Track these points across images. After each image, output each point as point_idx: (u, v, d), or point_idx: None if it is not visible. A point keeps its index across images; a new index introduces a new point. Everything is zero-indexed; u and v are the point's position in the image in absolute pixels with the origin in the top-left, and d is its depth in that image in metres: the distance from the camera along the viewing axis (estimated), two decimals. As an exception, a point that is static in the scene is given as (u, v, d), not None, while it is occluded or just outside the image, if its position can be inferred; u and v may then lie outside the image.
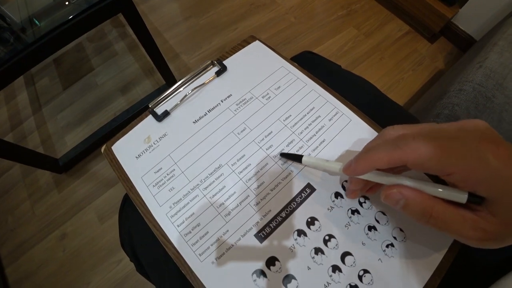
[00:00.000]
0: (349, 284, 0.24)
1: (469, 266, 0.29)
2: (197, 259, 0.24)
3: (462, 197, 0.18)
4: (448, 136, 0.18)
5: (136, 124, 0.31)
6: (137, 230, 0.31)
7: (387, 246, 0.25)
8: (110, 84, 1.12)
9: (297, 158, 0.27)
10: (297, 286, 0.23)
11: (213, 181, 0.27)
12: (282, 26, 1.18)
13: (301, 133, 0.30)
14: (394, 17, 1.24)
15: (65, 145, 1.04)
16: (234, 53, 0.37)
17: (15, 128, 1.11)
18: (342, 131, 0.30)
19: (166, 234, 0.25)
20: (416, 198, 0.19)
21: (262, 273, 0.24)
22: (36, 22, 0.65)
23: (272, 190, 0.27)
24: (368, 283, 0.24)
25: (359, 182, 0.23)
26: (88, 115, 1.07)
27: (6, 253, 0.94)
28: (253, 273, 0.24)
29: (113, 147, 0.30)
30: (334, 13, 1.22)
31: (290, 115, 0.31)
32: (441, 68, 1.15)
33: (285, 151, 0.29)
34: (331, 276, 0.24)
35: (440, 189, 0.19)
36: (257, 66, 0.35)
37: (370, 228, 0.25)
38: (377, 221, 0.26)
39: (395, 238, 0.25)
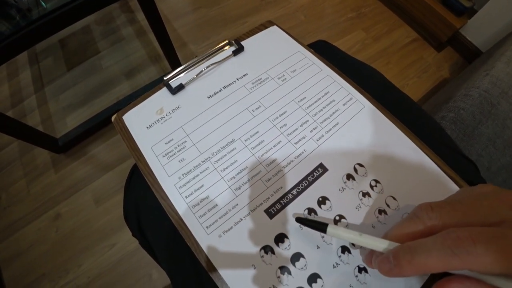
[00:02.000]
0: (358, 266, 0.23)
1: None
2: (204, 231, 0.24)
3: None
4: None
5: (149, 96, 0.31)
6: (144, 202, 0.30)
7: (396, 231, 0.24)
8: (115, 68, 1.11)
9: (320, 227, 0.22)
10: (305, 265, 0.23)
11: (225, 155, 0.27)
12: (292, 24, 1.18)
13: (315, 114, 0.29)
14: (403, 24, 1.24)
15: (65, 126, 1.03)
16: (251, 36, 0.37)
17: (15, 105, 1.10)
18: (356, 117, 0.30)
19: (173, 205, 0.25)
20: None
21: (270, 249, 0.23)
22: (43, 4, 0.65)
23: (284, 168, 0.26)
24: None
25: None
26: (91, 97, 1.07)
27: (-3, 231, 0.92)
28: (261, 249, 0.23)
29: (124, 117, 0.30)
30: (344, 15, 1.22)
31: (305, 97, 0.31)
32: (446, 77, 1.16)
33: (298, 132, 0.28)
34: (340, 256, 0.23)
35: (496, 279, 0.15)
36: (274, 49, 0.35)
37: (381, 211, 0.25)
38: (387, 205, 0.25)
39: (404, 224, 0.25)
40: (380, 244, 0.19)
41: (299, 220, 0.23)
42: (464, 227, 0.15)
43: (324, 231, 0.21)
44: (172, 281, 0.29)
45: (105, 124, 1.00)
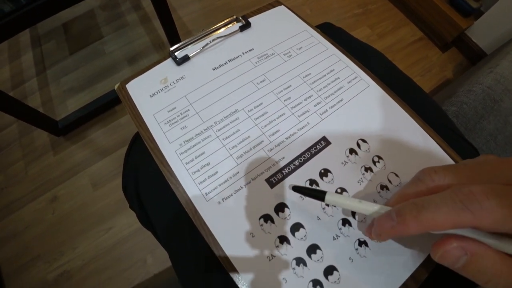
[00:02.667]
0: (358, 239, 0.23)
1: None
2: (202, 198, 0.24)
3: None
4: None
5: (154, 66, 0.31)
6: (143, 172, 0.30)
7: (398, 207, 0.24)
8: (118, 54, 1.10)
9: (318, 195, 0.21)
10: (305, 235, 0.23)
11: (228, 124, 0.27)
12: (299, 16, 1.17)
13: (319, 90, 0.29)
14: (409, 22, 1.24)
15: (66, 109, 1.02)
16: (259, 14, 0.36)
17: (16, 87, 1.09)
18: (360, 95, 0.29)
19: (172, 171, 0.25)
20: (487, 253, 0.15)
21: (269, 218, 0.23)
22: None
23: (287, 139, 0.26)
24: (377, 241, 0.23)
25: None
26: (92, 82, 1.06)
27: (-6, 211, 0.92)
28: (260, 217, 0.23)
29: (127, 85, 0.29)
30: (349, 11, 1.21)
31: (310, 73, 0.30)
32: (449, 78, 1.16)
33: (302, 106, 0.28)
34: (340, 229, 0.23)
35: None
36: (281, 27, 0.35)
37: (383, 187, 0.25)
38: (390, 182, 0.25)
39: (406, 200, 0.25)
40: (381, 210, 0.19)
41: (296, 189, 0.23)
42: (476, 184, 0.15)
43: (322, 199, 0.21)
44: (170, 252, 0.29)
45: (106, 109, 0.99)
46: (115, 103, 0.99)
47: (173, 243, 0.28)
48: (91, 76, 1.07)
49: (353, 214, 0.24)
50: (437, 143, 0.27)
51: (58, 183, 0.93)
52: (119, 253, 0.84)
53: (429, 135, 0.27)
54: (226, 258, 0.22)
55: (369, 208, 0.20)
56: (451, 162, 0.26)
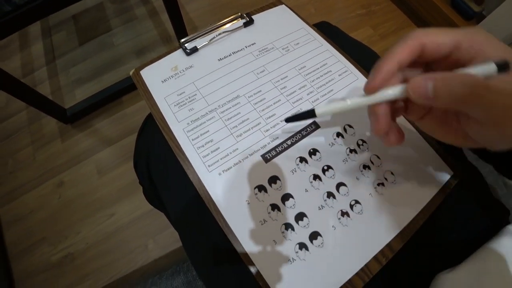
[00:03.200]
0: (341, 210, 0.26)
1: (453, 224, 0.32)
2: (205, 169, 0.27)
3: (492, 68, 0.17)
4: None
5: (166, 55, 0.34)
6: (155, 150, 0.33)
7: (378, 185, 0.28)
8: (126, 46, 1.14)
9: (309, 114, 0.23)
10: (294, 204, 0.26)
11: (230, 107, 0.30)
12: (301, 15, 1.20)
13: (312, 81, 0.32)
14: (411, 24, 1.26)
15: (74, 99, 1.06)
16: (261, 12, 0.40)
17: (26, 75, 1.13)
18: (349, 86, 0.33)
19: (180, 146, 0.28)
20: (448, 76, 0.17)
21: (263, 188, 0.27)
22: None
23: (281, 122, 0.30)
24: (358, 212, 0.27)
25: (385, 110, 0.21)
26: (100, 72, 1.09)
27: (1, 194, 0.95)
28: (255, 188, 0.27)
29: (141, 71, 0.33)
30: (353, 11, 1.24)
31: (305, 66, 0.34)
32: (448, 80, 1.18)
33: (296, 94, 0.31)
34: (325, 200, 0.27)
35: (470, 69, 0.18)
36: (281, 24, 0.38)
37: (365, 166, 0.28)
38: (372, 162, 0.28)
39: (386, 179, 0.28)
40: (372, 100, 0.20)
41: (288, 119, 0.25)
42: None
43: (314, 114, 0.22)
44: (177, 224, 0.33)
45: (112, 99, 1.03)
46: (122, 93, 1.03)
47: (179, 210, 0.31)
48: (99, 67, 1.10)
49: (337, 189, 0.27)
50: (417, 131, 0.30)
51: (65, 169, 0.96)
52: (121, 238, 0.87)
53: (412, 125, 0.31)
54: (224, 220, 0.25)
55: (358, 100, 0.21)
56: (432, 150, 0.30)
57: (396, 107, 0.22)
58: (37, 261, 0.86)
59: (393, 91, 0.20)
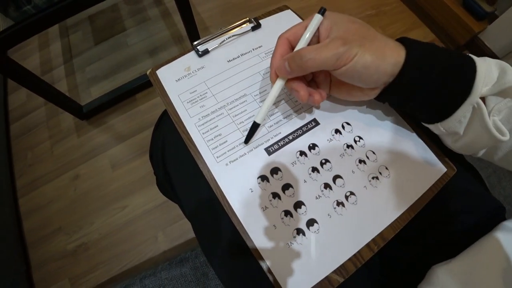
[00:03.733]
0: (337, 200, 0.29)
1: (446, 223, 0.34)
2: (214, 160, 0.30)
3: (319, 17, 0.28)
4: None
5: (179, 56, 0.37)
6: (170, 142, 0.37)
7: (372, 178, 0.30)
8: (139, 46, 1.18)
9: (254, 126, 0.30)
10: (293, 193, 0.29)
11: (238, 105, 0.33)
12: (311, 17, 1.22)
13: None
14: (422, 24, 1.26)
15: (90, 96, 1.10)
16: (268, 16, 0.42)
17: (45, 73, 1.18)
18: None
19: (192, 139, 0.31)
20: (289, 55, 0.27)
21: (265, 178, 0.29)
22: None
23: (284, 118, 0.32)
24: (353, 203, 0.29)
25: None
26: (115, 71, 1.14)
27: (21, 186, 1.01)
28: (258, 177, 0.29)
29: (157, 71, 0.36)
30: (363, 12, 1.25)
31: (308, 68, 0.36)
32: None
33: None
34: (322, 191, 0.29)
35: (300, 42, 0.28)
36: (286, 28, 0.40)
37: (361, 161, 0.31)
38: (367, 157, 0.31)
39: (380, 173, 0.30)
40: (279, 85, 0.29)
41: (247, 140, 0.31)
42: None
43: (257, 124, 0.30)
44: (190, 213, 0.36)
45: (127, 96, 1.07)
46: (135, 91, 1.07)
47: (192, 200, 0.34)
48: (114, 66, 1.15)
49: (334, 181, 0.30)
50: (413, 129, 0.32)
51: (80, 163, 1.01)
52: (132, 230, 0.91)
53: (408, 123, 0.33)
54: (229, 205, 0.28)
55: (270, 94, 0.29)
56: (425, 146, 0.32)
57: (311, 82, 0.32)
58: (53, 249, 0.91)
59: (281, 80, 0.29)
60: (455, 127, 0.26)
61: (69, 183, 0.99)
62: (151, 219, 0.92)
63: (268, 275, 0.26)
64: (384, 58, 0.24)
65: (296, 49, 0.28)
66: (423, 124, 0.30)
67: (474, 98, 0.24)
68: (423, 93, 0.25)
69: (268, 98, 0.29)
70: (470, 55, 0.25)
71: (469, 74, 0.24)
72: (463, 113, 0.25)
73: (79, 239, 0.92)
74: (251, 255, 0.27)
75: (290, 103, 0.33)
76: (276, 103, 0.33)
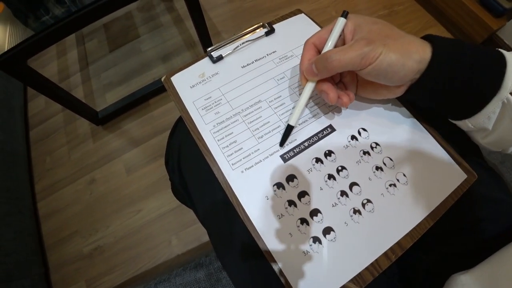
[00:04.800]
0: (353, 208, 0.28)
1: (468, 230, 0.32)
2: (229, 167, 0.30)
3: (342, 20, 0.29)
4: None
5: (194, 63, 0.38)
6: (185, 149, 0.37)
7: (390, 185, 0.29)
8: (152, 52, 1.20)
9: (288, 129, 0.31)
10: (309, 201, 0.29)
11: (252, 111, 0.33)
12: (323, 18, 1.21)
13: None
14: (437, 23, 1.23)
15: (105, 102, 1.13)
16: (282, 21, 0.42)
17: (63, 80, 1.22)
18: None
19: (207, 146, 0.31)
20: (316, 57, 0.28)
21: (281, 185, 0.29)
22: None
23: (300, 125, 0.32)
24: (370, 211, 0.28)
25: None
26: (129, 77, 1.16)
27: (40, 189, 1.04)
28: (274, 185, 0.29)
29: (172, 78, 0.36)
30: (375, 12, 1.23)
31: (322, 73, 0.36)
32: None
33: (314, 98, 0.34)
34: (339, 198, 0.29)
35: (327, 44, 0.29)
36: (300, 32, 0.40)
37: (378, 168, 0.30)
38: (384, 164, 0.30)
39: (398, 180, 0.30)
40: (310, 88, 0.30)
41: (282, 143, 0.31)
42: None
43: (291, 126, 0.30)
44: (205, 219, 0.36)
45: (141, 102, 1.09)
46: (149, 97, 1.09)
47: (207, 206, 0.34)
48: (128, 72, 1.17)
49: (350, 188, 0.29)
50: (431, 134, 0.32)
51: (96, 167, 1.04)
52: (147, 233, 0.93)
53: (426, 128, 0.32)
54: (245, 214, 0.28)
55: (302, 96, 0.31)
56: (444, 152, 0.31)
57: (339, 83, 0.33)
58: (70, 251, 0.94)
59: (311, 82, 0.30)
60: (483, 123, 0.26)
61: (85, 187, 1.02)
62: (165, 223, 0.93)
63: (283, 282, 0.26)
64: (409, 55, 0.24)
65: (322, 52, 0.29)
66: (450, 120, 0.29)
67: (504, 93, 0.23)
68: (451, 89, 0.25)
69: (300, 101, 0.30)
70: (499, 49, 0.25)
71: (499, 68, 0.24)
72: (493, 108, 0.25)
73: (95, 242, 0.94)
74: (266, 262, 0.27)
75: (305, 109, 0.33)
76: (292, 109, 0.33)
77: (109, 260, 0.91)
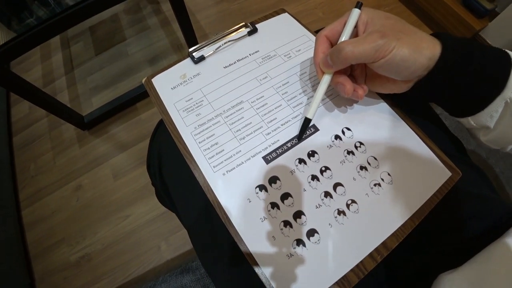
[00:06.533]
0: (338, 209, 0.28)
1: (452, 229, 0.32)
2: (211, 170, 0.29)
3: (357, 11, 0.29)
4: None
5: (175, 64, 0.37)
6: (166, 152, 0.36)
7: (374, 185, 0.29)
8: (139, 55, 1.19)
9: (306, 122, 0.30)
10: (292, 203, 0.28)
11: (234, 112, 0.32)
12: (309, 20, 1.22)
13: (313, 86, 0.34)
14: (422, 24, 1.25)
15: (91, 106, 1.11)
16: (265, 20, 0.42)
17: (47, 85, 1.19)
18: None
19: (188, 148, 0.30)
20: (331, 49, 0.28)
21: (264, 188, 0.28)
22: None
23: (282, 125, 0.31)
24: (354, 212, 0.28)
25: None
26: (116, 80, 1.14)
27: (24, 197, 1.01)
28: (256, 187, 0.28)
29: (153, 79, 0.36)
30: (361, 14, 1.25)
31: (306, 72, 0.35)
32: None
33: (296, 99, 0.33)
34: (322, 200, 0.28)
35: (342, 36, 0.29)
36: (283, 32, 0.40)
37: (362, 167, 0.30)
38: (369, 163, 0.30)
39: (382, 179, 0.29)
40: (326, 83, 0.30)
41: (300, 136, 0.31)
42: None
43: (309, 119, 0.30)
44: (187, 223, 0.35)
45: (128, 105, 1.07)
46: (136, 100, 1.07)
47: (188, 210, 0.33)
48: (115, 76, 1.15)
49: (334, 189, 0.29)
50: (415, 132, 0.31)
51: (83, 173, 1.01)
52: (136, 239, 0.91)
53: (408, 125, 0.32)
54: (227, 217, 0.27)
55: (320, 88, 0.30)
56: (428, 150, 0.31)
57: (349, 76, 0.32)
58: (56, 260, 0.91)
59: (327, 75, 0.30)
60: (486, 121, 0.27)
61: (71, 193, 0.99)
62: (154, 228, 0.91)
63: (267, 287, 0.25)
64: (421, 51, 0.25)
65: (340, 40, 0.30)
66: (454, 117, 0.30)
67: (507, 93, 0.24)
68: (456, 87, 0.26)
69: (317, 93, 0.30)
70: (505, 50, 0.26)
71: (504, 68, 0.24)
72: (496, 107, 0.25)
73: (82, 250, 0.91)
74: (250, 267, 0.26)
75: (287, 109, 0.33)
76: (275, 109, 0.33)
77: (97, 268, 0.89)
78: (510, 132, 0.26)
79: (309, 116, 0.30)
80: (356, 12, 0.29)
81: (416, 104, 0.38)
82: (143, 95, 1.06)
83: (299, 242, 0.26)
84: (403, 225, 0.27)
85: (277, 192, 0.28)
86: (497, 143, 0.29)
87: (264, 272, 0.25)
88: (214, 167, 0.29)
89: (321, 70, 0.30)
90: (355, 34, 0.30)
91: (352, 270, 0.26)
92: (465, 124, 0.30)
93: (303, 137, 0.31)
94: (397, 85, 0.29)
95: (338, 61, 0.27)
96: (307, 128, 0.31)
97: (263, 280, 0.25)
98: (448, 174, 0.30)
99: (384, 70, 0.27)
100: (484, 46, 0.25)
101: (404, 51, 0.24)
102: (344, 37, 0.29)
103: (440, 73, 0.25)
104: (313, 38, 0.39)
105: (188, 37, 0.92)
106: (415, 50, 0.25)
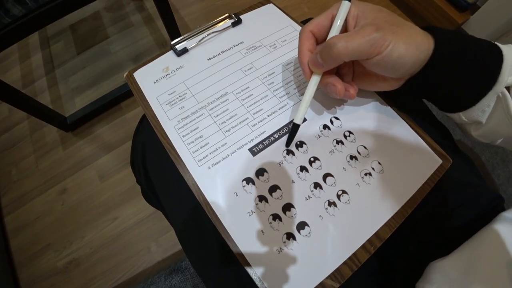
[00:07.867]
0: (328, 200, 0.27)
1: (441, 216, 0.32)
2: (195, 164, 0.28)
3: (347, 4, 0.26)
4: None
5: (157, 57, 0.35)
6: (150, 148, 0.35)
7: (365, 174, 0.28)
8: (123, 53, 1.16)
9: (295, 127, 0.28)
10: (281, 195, 0.27)
11: (219, 104, 0.31)
12: (295, 15, 1.20)
13: (299, 76, 0.33)
14: (406, 18, 1.26)
15: (74, 106, 1.07)
16: (250, 11, 0.41)
17: (27, 86, 1.15)
18: None
19: (171, 142, 0.29)
20: (320, 47, 0.26)
21: (251, 180, 0.27)
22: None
23: (269, 116, 0.30)
24: (345, 202, 0.27)
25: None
26: (99, 80, 1.11)
27: (6, 203, 0.97)
28: (243, 180, 0.27)
29: (134, 73, 0.34)
30: (346, 9, 1.25)
31: (291, 62, 0.35)
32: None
33: (283, 89, 0.32)
34: (312, 191, 0.27)
35: (332, 31, 0.27)
36: (268, 22, 0.39)
37: (352, 157, 0.29)
38: (359, 153, 0.29)
39: (373, 169, 0.29)
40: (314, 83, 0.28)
41: (288, 144, 0.29)
42: None
43: (298, 125, 0.28)
44: (174, 221, 0.34)
45: (112, 105, 1.04)
46: (120, 99, 1.04)
47: (175, 208, 0.32)
48: (98, 75, 1.12)
49: (324, 180, 0.28)
50: (404, 120, 0.31)
51: (67, 176, 0.98)
52: (125, 242, 0.89)
53: (399, 115, 0.31)
54: (213, 212, 0.26)
55: (308, 90, 0.28)
56: (419, 138, 0.30)
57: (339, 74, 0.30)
58: (43, 267, 0.88)
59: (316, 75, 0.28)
60: (477, 116, 0.26)
61: (56, 197, 0.96)
62: (143, 229, 0.89)
63: (258, 284, 0.24)
64: (418, 46, 0.23)
65: (329, 35, 0.27)
66: (446, 114, 0.29)
67: (499, 87, 0.24)
68: (449, 83, 0.25)
69: (305, 96, 0.28)
70: (497, 43, 0.25)
71: (496, 63, 0.24)
72: (487, 102, 0.25)
73: (69, 255, 0.88)
74: (240, 265, 0.25)
75: (274, 99, 0.32)
76: (260, 99, 0.32)
77: (86, 272, 0.86)
78: (501, 126, 0.26)
79: (297, 122, 0.28)
80: (346, 4, 0.26)
81: (405, 98, 0.38)
82: (128, 94, 1.03)
83: (289, 235, 0.26)
84: (395, 215, 0.27)
85: (265, 185, 0.27)
86: (488, 137, 0.29)
87: (255, 270, 0.24)
88: (199, 161, 0.28)
89: (309, 70, 0.28)
90: (344, 29, 0.28)
91: (345, 262, 0.25)
92: (456, 120, 0.29)
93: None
94: (387, 83, 0.28)
95: (330, 59, 0.25)
96: (295, 134, 0.29)
97: (254, 279, 0.24)
98: (439, 161, 0.30)
99: (380, 68, 0.25)
100: (476, 39, 0.25)
101: (401, 46, 0.23)
102: (334, 32, 0.27)
103: (435, 68, 0.24)
104: (298, 28, 0.38)
105: (172, 34, 0.90)
106: (412, 45, 0.23)
